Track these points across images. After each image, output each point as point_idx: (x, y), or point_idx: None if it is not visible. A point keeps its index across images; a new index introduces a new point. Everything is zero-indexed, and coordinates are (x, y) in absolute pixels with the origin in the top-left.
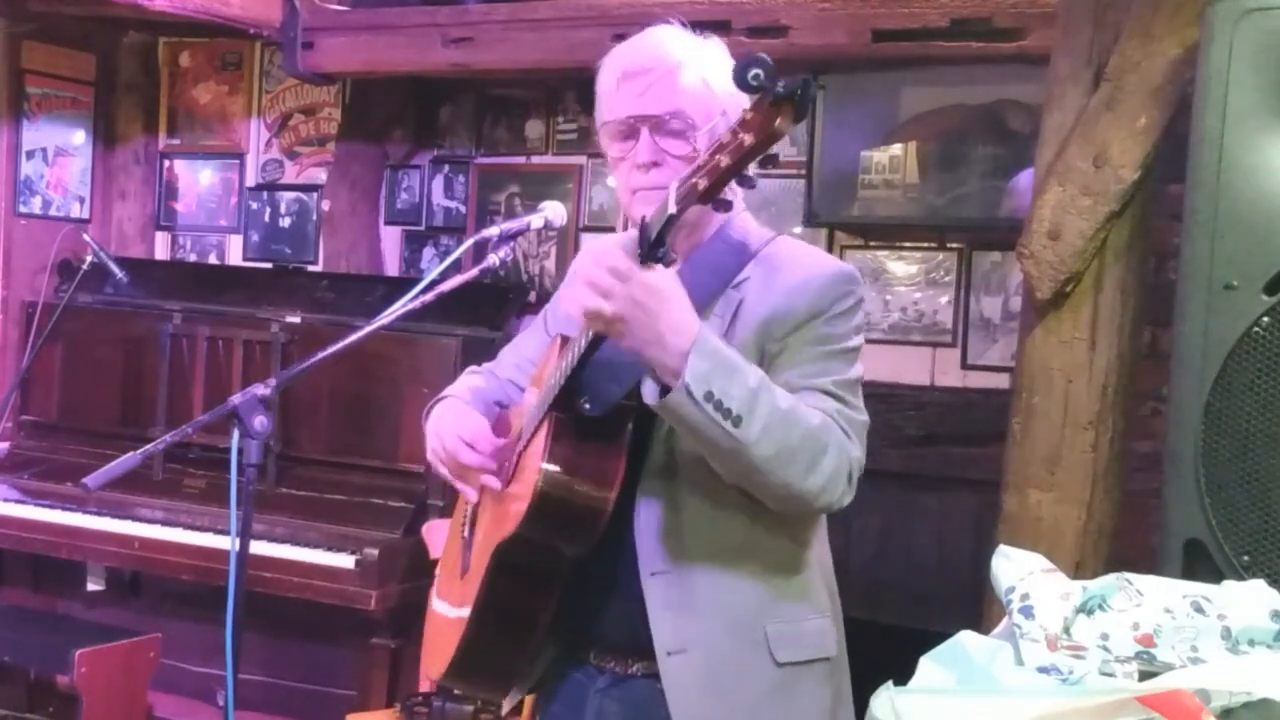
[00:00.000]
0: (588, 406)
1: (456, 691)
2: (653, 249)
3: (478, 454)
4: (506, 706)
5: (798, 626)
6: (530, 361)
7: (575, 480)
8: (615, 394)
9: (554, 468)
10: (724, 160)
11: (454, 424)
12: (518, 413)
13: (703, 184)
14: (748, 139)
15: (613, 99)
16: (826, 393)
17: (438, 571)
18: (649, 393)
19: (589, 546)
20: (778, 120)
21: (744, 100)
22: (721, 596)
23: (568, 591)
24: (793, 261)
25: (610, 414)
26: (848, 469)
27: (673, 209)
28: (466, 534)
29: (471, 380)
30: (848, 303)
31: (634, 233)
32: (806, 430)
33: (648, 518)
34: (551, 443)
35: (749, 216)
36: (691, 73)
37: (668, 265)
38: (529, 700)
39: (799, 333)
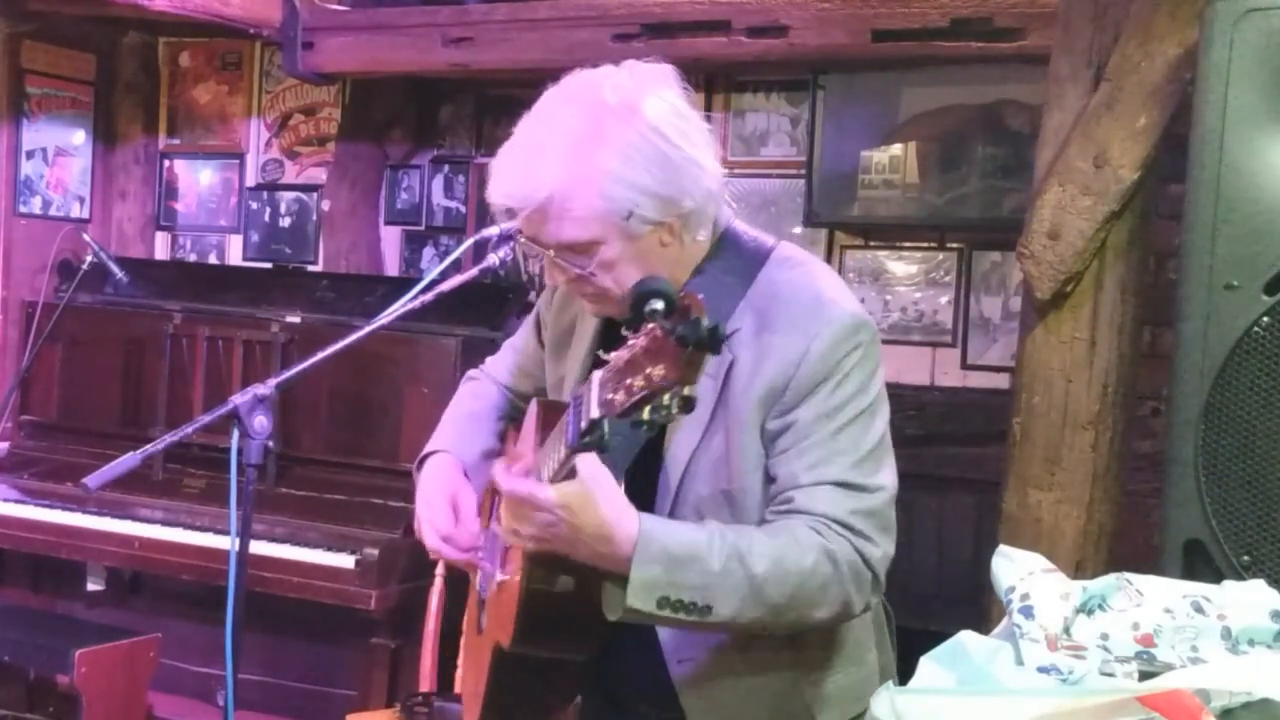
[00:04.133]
0: None
1: None
2: (582, 438)
3: (457, 551)
4: None
5: (839, 684)
6: (524, 372)
7: (559, 595)
8: None
9: (533, 593)
10: (635, 386)
11: (432, 512)
12: (513, 452)
13: (619, 400)
14: (656, 373)
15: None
16: (839, 484)
17: (439, 571)
18: (610, 611)
19: (592, 649)
20: (688, 362)
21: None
22: (754, 674)
23: (593, 668)
24: (787, 317)
25: None
26: (869, 578)
27: (595, 413)
28: (481, 585)
29: (466, 400)
30: (855, 357)
31: (565, 427)
32: (798, 577)
33: None
34: (531, 561)
35: (740, 232)
36: (570, 198)
37: (603, 451)
38: None
39: (802, 408)
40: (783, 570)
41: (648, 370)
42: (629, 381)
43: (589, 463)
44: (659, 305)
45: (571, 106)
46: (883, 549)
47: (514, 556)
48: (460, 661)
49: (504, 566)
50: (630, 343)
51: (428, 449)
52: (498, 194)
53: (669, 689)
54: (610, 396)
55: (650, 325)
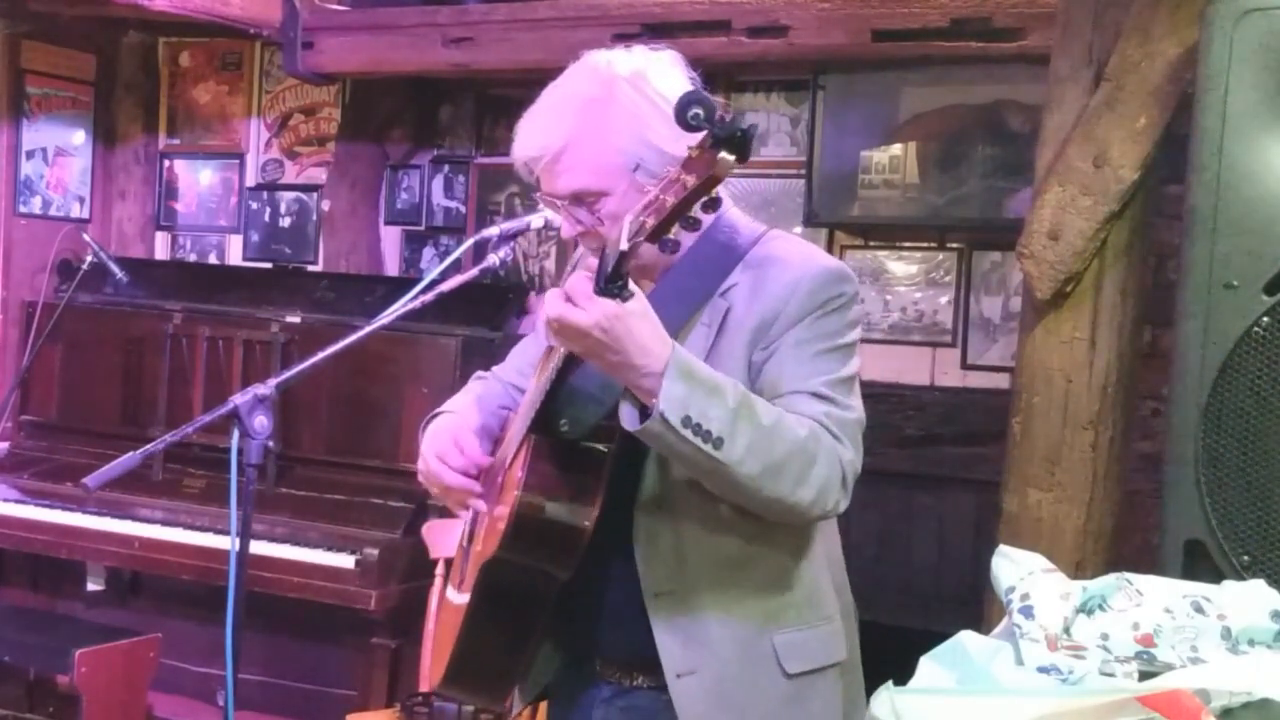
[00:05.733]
0: (566, 429)
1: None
2: (609, 284)
3: (458, 476)
4: (513, 713)
5: (805, 635)
6: (531, 365)
7: (552, 505)
8: (596, 415)
9: (529, 494)
10: (668, 200)
11: (436, 444)
12: (512, 422)
13: (650, 222)
14: (690, 180)
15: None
16: (815, 395)
17: (439, 571)
18: (627, 419)
19: (572, 567)
20: (718, 162)
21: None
22: (727, 613)
23: (570, 606)
24: (781, 265)
25: (590, 436)
26: (840, 475)
27: (624, 246)
28: (466, 544)
29: (474, 388)
30: (839, 301)
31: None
32: (793, 443)
33: (647, 537)
34: (528, 468)
35: (738, 213)
36: (583, 149)
37: (625, 300)
38: (542, 707)
39: (787, 335)
40: (783, 428)
41: (682, 179)
42: (662, 199)
43: (640, 292)
44: (700, 111)
45: (586, 73)
46: (851, 454)
47: (506, 495)
48: (432, 638)
49: (498, 505)
50: (666, 171)
51: (434, 412)
52: (519, 148)
53: (637, 631)
54: (643, 220)
55: (688, 148)
